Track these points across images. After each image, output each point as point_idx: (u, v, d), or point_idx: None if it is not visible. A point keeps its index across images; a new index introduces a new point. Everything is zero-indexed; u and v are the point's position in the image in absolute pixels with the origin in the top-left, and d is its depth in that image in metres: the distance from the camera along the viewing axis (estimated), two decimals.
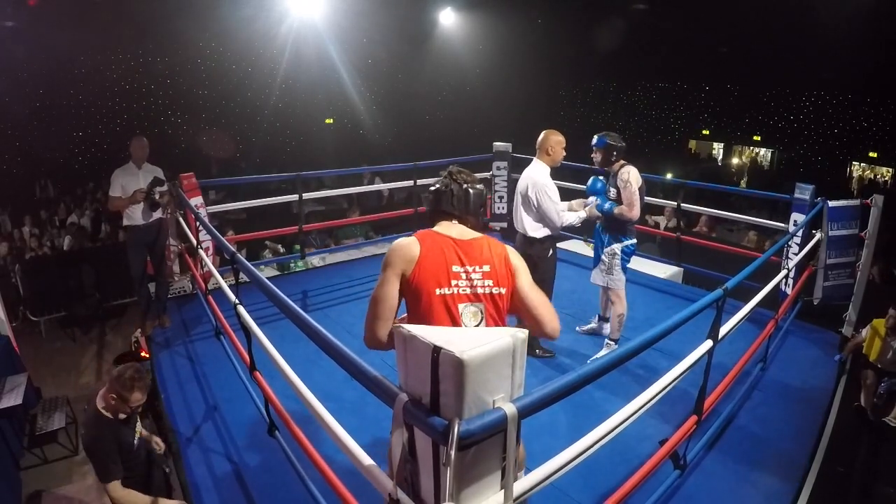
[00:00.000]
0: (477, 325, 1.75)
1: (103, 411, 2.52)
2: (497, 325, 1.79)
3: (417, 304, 1.75)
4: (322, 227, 6.94)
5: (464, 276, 1.75)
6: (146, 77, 12.56)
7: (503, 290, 1.78)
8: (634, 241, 3.79)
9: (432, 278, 1.73)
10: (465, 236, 1.84)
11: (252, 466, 2.87)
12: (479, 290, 1.76)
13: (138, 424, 2.75)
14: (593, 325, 4.24)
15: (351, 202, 9.32)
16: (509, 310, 1.84)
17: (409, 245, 1.78)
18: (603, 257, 3.79)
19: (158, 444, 2.96)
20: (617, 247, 3.72)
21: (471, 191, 1.93)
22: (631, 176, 3.56)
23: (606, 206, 3.66)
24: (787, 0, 9.84)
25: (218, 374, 3.72)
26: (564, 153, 3.63)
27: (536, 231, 3.61)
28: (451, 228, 1.87)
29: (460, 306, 1.74)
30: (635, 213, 3.58)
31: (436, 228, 1.89)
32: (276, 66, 12.90)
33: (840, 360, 3.89)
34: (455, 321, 1.73)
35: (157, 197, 4.30)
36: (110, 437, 2.50)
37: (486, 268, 1.77)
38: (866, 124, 11.46)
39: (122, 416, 2.56)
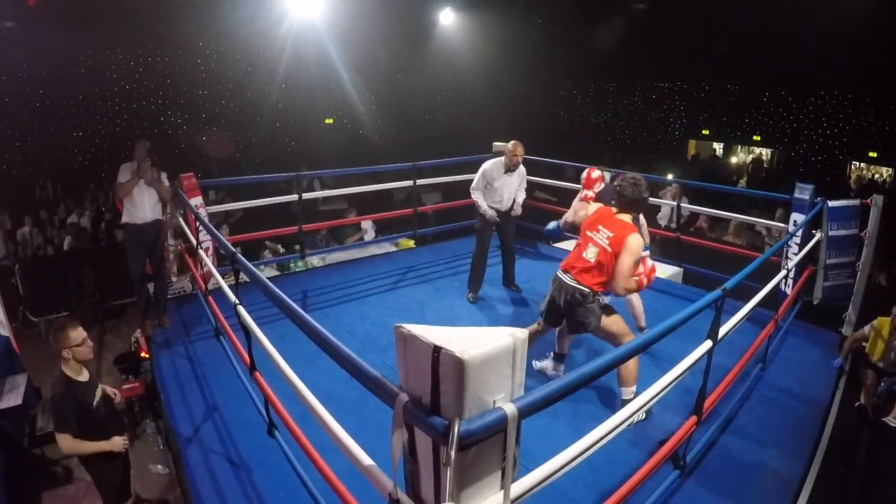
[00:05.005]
0: (593, 257, 3.08)
1: (66, 372, 2.80)
2: (604, 263, 3.06)
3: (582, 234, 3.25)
4: (322, 227, 6.93)
5: (600, 231, 3.12)
6: (146, 77, 12.54)
7: (611, 250, 3.05)
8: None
9: (589, 225, 3.21)
10: (616, 216, 3.16)
11: (252, 466, 2.88)
12: (601, 243, 3.09)
13: (99, 388, 2.98)
14: (547, 363, 3.64)
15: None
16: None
17: (594, 209, 3.37)
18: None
19: (116, 394, 3.20)
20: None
21: (638, 195, 3.15)
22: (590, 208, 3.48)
23: (551, 224, 4.02)
24: (787, 0, 9.84)
25: (218, 375, 3.72)
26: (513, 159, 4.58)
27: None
28: (617, 211, 3.20)
29: (590, 245, 3.12)
30: (567, 216, 3.94)
31: (612, 207, 3.24)
32: (275, 67, 12.87)
33: (839, 365, 3.81)
34: (583, 249, 3.14)
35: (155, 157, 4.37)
36: (71, 395, 2.76)
37: (611, 234, 3.08)
38: (866, 124, 11.44)
39: (83, 378, 2.85)
